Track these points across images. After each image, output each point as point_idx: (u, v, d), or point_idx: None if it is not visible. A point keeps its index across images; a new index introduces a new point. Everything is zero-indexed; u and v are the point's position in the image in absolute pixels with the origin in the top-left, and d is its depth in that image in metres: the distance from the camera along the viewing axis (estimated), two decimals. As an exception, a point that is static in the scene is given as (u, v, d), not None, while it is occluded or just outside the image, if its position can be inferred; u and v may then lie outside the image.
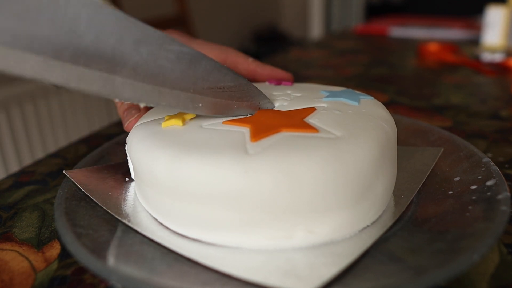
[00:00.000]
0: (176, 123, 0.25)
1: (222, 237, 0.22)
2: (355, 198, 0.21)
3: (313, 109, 0.26)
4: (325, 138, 0.22)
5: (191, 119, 0.26)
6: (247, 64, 0.36)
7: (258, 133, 0.23)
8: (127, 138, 0.27)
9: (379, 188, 0.23)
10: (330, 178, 0.20)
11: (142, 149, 0.24)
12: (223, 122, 0.25)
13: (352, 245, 0.21)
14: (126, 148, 0.27)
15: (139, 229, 0.23)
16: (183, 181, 0.21)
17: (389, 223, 0.23)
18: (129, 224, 0.24)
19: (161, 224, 0.24)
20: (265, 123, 0.24)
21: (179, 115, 0.26)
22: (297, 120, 0.24)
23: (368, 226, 0.23)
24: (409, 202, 0.25)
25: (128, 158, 0.28)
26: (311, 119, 0.25)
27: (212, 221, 0.21)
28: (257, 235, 0.21)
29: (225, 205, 0.21)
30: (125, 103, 0.32)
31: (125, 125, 0.32)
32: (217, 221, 0.21)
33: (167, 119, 0.26)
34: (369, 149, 0.22)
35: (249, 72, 0.36)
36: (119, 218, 0.24)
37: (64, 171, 0.28)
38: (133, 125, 0.29)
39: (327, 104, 0.27)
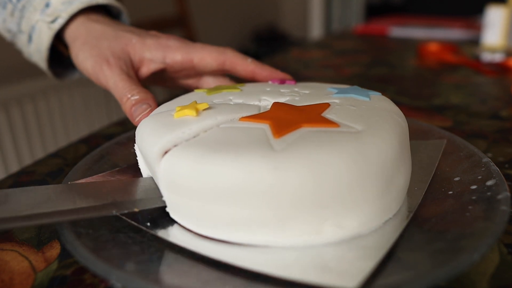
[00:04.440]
0: (189, 113, 0.25)
1: (250, 236, 0.21)
2: (381, 191, 0.22)
3: (327, 105, 0.26)
4: (347, 132, 0.22)
5: (204, 109, 0.26)
6: (246, 65, 0.36)
7: (280, 129, 0.23)
8: (136, 132, 0.26)
9: (401, 180, 0.23)
10: (358, 171, 0.21)
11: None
12: (240, 119, 0.25)
13: (379, 237, 0.21)
14: (135, 146, 0.27)
15: (161, 235, 0.23)
16: (210, 182, 0.21)
17: (410, 215, 0.23)
18: (151, 231, 0.23)
19: (182, 226, 0.23)
20: (285, 119, 0.24)
21: (192, 105, 0.26)
22: (315, 116, 0.24)
23: (390, 218, 0.23)
24: (424, 192, 0.25)
25: (139, 155, 0.27)
26: (327, 115, 0.25)
27: (241, 220, 0.21)
28: (287, 231, 0.21)
29: (254, 203, 0.20)
30: (132, 98, 0.32)
31: (136, 120, 0.31)
32: (246, 220, 0.21)
33: (179, 110, 0.26)
34: (391, 141, 0.22)
35: (248, 73, 0.36)
36: (141, 227, 0.23)
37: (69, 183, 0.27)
38: (143, 119, 0.29)
39: (339, 100, 0.27)
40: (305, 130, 0.22)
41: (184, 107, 0.26)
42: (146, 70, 0.36)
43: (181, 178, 0.22)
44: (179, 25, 1.40)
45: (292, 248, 0.21)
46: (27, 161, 1.13)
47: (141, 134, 0.26)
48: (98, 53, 0.35)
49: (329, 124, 0.23)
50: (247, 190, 0.20)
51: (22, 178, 0.35)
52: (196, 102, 0.27)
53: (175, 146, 0.23)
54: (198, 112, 0.25)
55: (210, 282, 0.19)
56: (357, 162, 0.21)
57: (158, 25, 1.30)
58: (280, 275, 0.19)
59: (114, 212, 0.22)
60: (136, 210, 0.23)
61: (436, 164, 0.28)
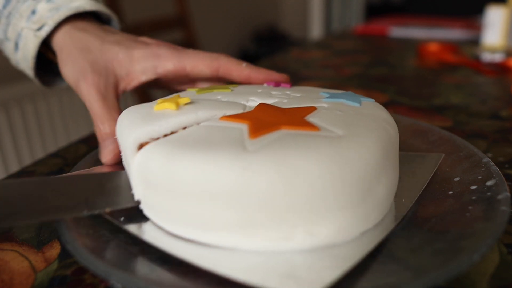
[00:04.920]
0: (169, 107, 0.25)
1: (218, 238, 0.21)
2: (357, 199, 0.21)
3: (313, 108, 0.26)
4: (327, 136, 0.22)
5: (185, 104, 0.25)
6: (241, 70, 0.35)
7: (257, 129, 0.22)
8: (117, 122, 0.26)
9: (381, 190, 0.22)
10: (332, 177, 0.20)
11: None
12: (220, 118, 0.24)
13: (353, 248, 0.21)
14: (117, 134, 0.26)
15: (132, 230, 0.23)
16: (178, 179, 0.20)
17: (391, 226, 0.23)
18: (123, 226, 0.23)
19: (154, 223, 0.23)
20: (264, 120, 0.23)
21: (174, 98, 0.26)
22: (297, 118, 0.24)
23: (369, 229, 0.22)
24: (411, 205, 0.25)
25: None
26: (311, 118, 0.24)
27: (208, 220, 0.21)
28: (255, 236, 0.20)
29: (222, 203, 0.20)
30: (103, 131, 0.31)
31: (104, 160, 0.30)
32: (214, 221, 0.21)
33: (160, 102, 0.25)
34: (372, 149, 0.22)
35: (243, 78, 0.36)
36: (114, 221, 0.23)
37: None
38: (110, 159, 0.29)
39: (328, 105, 0.27)
40: (283, 132, 0.22)
41: (165, 100, 0.26)
42: (136, 82, 0.35)
43: (152, 174, 0.22)
44: (179, 25, 1.40)
45: (260, 252, 0.20)
46: (27, 161, 1.13)
47: (120, 124, 0.25)
48: (79, 68, 0.34)
49: (309, 127, 0.22)
50: (214, 190, 0.20)
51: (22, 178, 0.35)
52: (178, 96, 0.26)
53: (151, 139, 0.23)
54: (178, 106, 0.25)
55: (210, 283, 0.19)
56: (331, 167, 0.20)
57: (158, 25, 1.30)
58: (239, 278, 0.18)
59: (85, 213, 0.22)
60: (107, 210, 0.23)
61: (430, 177, 0.28)
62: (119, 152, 0.28)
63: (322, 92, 0.30)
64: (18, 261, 0.24)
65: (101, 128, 0.31)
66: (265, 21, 2.56)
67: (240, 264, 0.20)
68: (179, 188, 0.21)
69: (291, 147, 0.20)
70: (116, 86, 0.35)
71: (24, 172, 0.36)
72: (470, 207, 0.23)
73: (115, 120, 0.32)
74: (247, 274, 0.19)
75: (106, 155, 0.30)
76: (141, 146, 0.23)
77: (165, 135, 0.24)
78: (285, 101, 0.28)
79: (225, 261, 0.20)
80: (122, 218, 0.24)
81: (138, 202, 0.24)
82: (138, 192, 0.23)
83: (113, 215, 0.24)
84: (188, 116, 0.25)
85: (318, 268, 0.19)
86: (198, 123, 0.25)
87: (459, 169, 0.28)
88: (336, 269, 0.19)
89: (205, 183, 0.20)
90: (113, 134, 0.31)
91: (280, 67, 0.76)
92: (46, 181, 0.23)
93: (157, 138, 0.23)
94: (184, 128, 0.24)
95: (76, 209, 0.22)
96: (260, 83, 0.36)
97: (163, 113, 0.25)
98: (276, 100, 0.28)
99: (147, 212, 0.24)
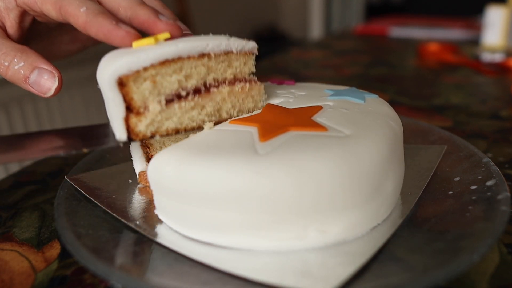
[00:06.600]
0: (148, 42, 0.24)
1: (233, 240, 0.21)
2: (366, 197, 0.21)
3: (319, 108, 0.26)
4: (335, 136, 0.22)
5: (165, 39, 0.24)
6: (77, 17, 0.26)
7: (267, 132, 0.22)
8: (98, 66, 0.24)
9: (389, 186, 0.23)
10: (343, 177, 0.20)
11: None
12: (230, 122, 0.25)
13: (364, 244, 0.21)
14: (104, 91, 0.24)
15: (148, 235, 0.23)
16: (192, 184, 0.21)
17: (399, 221, 0.23)
18: (139, 230, 0.23)
19: (170, 227, 0.24)
20: (273, 122, 0.24)
21: (153, 36, 0.24)
22: (305, 119, 0.24)
23: (378, 224, 0.23)
24: (417, 199, 0.25)
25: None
26: (318, 118, 0.24)
27: (223, 223, 0.21)
28: (269, 236, 0.21)
29: (236, 207, 0.20)
30: (16, 67, 0.27)
31: (50, 94, 0.28)
32: (229, 224, 0.21)
33: (138, 41, 0.24)
34: (379, 147, 0.22)
35: (80, 28, 0.26)
36: (131, 225, 0.24)
37: (65, 177, 0.28)
38: (57, 88, 0.28)
39: (333, 103, 0.27)
40: (292, 134, 0.22)
41: (144, 38, 0.24)
42: (10, 22, 0.29)
43: (166, 180, 0.22)
44: (179, 25, 1.40)
45: (275, 252, 0.21)
46: (27, 161, 1.13)
47: (99, 67, 0.24)
48: None
49: (317, 128, 0.23)
50: (228, 194, 0.20)
51: (22, 178, 0.35)
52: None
53: (130, 71, 0.22)
54: (157, 41, 0.24)
55: (210, 283, 0.19)
56: (340, 168, 0.20)
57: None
58: (258, 279, 0.19)
59: (62, 153, 0.23)
60: (85, 151, 0.24)
61: (434, 170, 0.28)
62: (60, 78, 0.27)
63: (326, 89, 0.30)
64: (18, 261, 0.24)
65: (12, 67, 0.27)
66: (265, 21, 2.56)
67: (256, 265, 0.20)
68: (193, 193, 0.21)
69: (301, 150, 0.21)
70: (3, 29, 0.30)
71: (24, 172, 0.36)
72: (470, 207, 0.23)
73: (17, 48, 0.28)
74: (264, 274, 0.19)
75: (50, 88, 0.27)
76: (120, 80, 0.22)
77: (145, 68, 0.22)
78: (290, 100, 0.28)
79: (242, 262, 0.20)
80: (137, 222, 0.24)
81: (119, 142, 0.23)
82: (154, 198, 0.24)
83: (128, 218, 0.24)
84: (168, 48, 0.23)
85: (332, 265, 0.19)
86: (180, 57, 0.23)
87: (459, 169, 0.28)
88: (349, 266, 0.19)
89: (219, 188, 0.20)
90: (32, 66, 0.27)
91: (280, 67, 0.76)
92: (24, 135, 0.25)
93: (137, 71, 0.22)
94: (165, 61, 0.23)
95: (52, 151, 0.23)
96: (100, 36, 0.25)
97: (142, 48, 0.23)
98: (282, 99, 0.28)
99: (161, 216, 0.24)
